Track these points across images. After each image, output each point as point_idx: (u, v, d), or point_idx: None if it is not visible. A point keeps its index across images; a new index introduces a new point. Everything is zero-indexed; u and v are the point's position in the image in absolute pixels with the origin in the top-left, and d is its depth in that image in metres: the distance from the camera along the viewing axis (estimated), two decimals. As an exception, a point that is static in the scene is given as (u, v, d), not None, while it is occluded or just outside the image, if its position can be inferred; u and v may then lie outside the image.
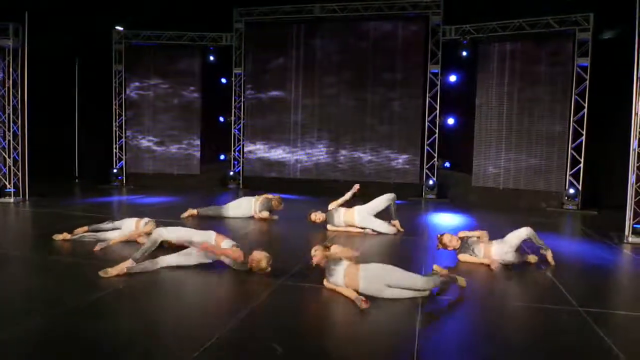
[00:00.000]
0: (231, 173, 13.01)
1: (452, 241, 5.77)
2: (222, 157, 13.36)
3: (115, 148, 13.29)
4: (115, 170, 13.08)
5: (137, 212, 8.17)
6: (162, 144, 13.30)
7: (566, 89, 10.57)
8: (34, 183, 10.04)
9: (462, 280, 4.56)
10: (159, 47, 13.05)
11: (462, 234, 5.95)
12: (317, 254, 4.64)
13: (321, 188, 12.07)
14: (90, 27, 12.23)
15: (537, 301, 4.63)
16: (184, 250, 5.13)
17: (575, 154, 10.55)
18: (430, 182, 11.85)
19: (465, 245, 5.74)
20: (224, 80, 13.18)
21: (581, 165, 10.48)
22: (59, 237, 6.14)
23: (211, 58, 12.91)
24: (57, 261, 5.43)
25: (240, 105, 13.04)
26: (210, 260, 5.11)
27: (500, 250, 5.61)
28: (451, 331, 3.90)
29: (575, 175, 10.56)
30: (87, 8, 11.46)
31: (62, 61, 12.95)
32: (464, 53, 11.43)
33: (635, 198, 7.44)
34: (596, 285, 5.34)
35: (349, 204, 7.47)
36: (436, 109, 11.84)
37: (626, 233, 7.51)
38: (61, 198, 10.71)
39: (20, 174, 9.87)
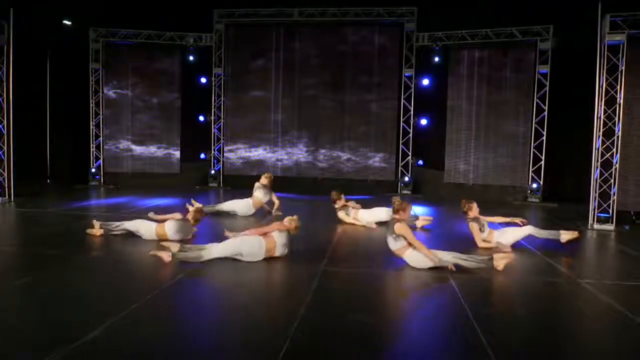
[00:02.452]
0: (212, 172, 13.22)
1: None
2: (202, 156, 13.54)
3: (93, 147, 13.13)
4: (93, 170, 12.94)
5: (143, 213, 8.35)
6: (141, 143, 13.30)
7: (528, 93, 11.66)
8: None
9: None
10: (137, 46, 13.03)
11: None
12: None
13: (301, 186, 12.57)
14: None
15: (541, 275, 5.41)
16: (232, 242, 5.46)
17: (537, 152, 11.66)
18: (406, 178, 12.64)
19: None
20: (203, 80, 13.36)
21: (542, 162, 11.61)
22: (93, 231, 6.44)
23: (191, 58, 13.05)
24: (99, 258, 5.66)
25: (220, 104, 13.27)
26: (259, 258, 5.41)
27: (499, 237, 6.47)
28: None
29: (537, 172, 11.68)
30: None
31: (31, 56, 12.57)
32: (436, 58, 12.28)
33: (599, 191, 8.47)
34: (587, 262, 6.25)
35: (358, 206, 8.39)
36: (410, 110, 12.63)
37: (590, 221, 8.56)
38: (46, 198, 10.59)
39: (5, 174, 9.71)
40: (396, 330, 3.94)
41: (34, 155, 13.33)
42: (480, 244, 6.46)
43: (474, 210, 6.51)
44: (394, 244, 5.38)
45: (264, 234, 5.46)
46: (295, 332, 3.53)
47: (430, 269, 5.30)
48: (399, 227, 5.28)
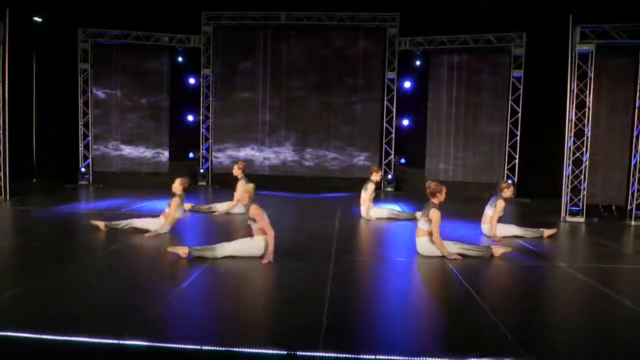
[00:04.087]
0: (201, 171, 13.52)
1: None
2: (191, 155, 13.82)
3: (81, 147, 13.23)
4: (83, 169, 13.05)
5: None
6: (130, 142, 13.48)
7: (504, 96, 12.46)
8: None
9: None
10: (126, 46, 13.20)
11: None
12: None
13: (288, 184, 13.04)
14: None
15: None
16: (242, 240, 5.83)
17: (511, 151, 12.46)
18: (389, 176, 13.25)
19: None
20: (192, 81, 13.64)
21: (516, 160, 12.42)
22: (99, 223, 6.95)
23: (180, 59, 13.33)
24: (118, 251, 6.01)
25: (209, 105, 13.58)
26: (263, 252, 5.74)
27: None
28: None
29: (512, 169, 12.49)
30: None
31: (16, 55, 12.54)
32: (418, 62, 12.96)
33: (570, 186, 9.26)
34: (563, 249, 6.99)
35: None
36: (393, 112, 13.25)
37: (563, 214, 9.34)
38: (40, 197, 10.72)
39: (1, 174, 9.81)
40: (412, 309, 4.49)
41: (19, 155, 13.32)
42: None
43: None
44: (423, 225, 5.94)
45: (264, 232, 5.68)
46: (328, 312, 4.01)
47: (432, 256, 5.90)
48: (433, 213, 5.84)
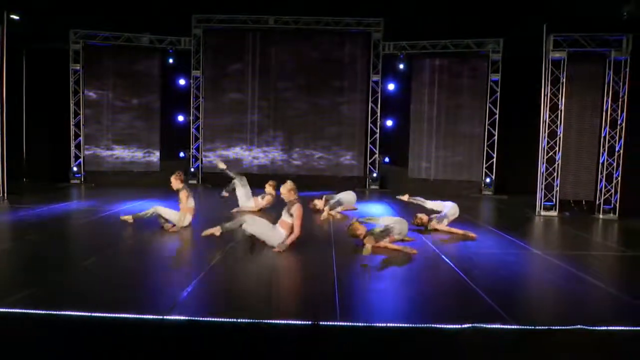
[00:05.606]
0: (192, 170, 13.88)
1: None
2: (181, 154, 14.15)
3: (72, 147, 13.42)
4: (75, 169, 13.25)
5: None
6: (122, 142, 13.72)
7: (482, 98, 13.18)
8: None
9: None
10: (117, 48, 13.45)
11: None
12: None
13: (277, 183, 13.44)
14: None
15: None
16: (267, 225, 6.27)
17: (489, 150, 13.19)
18: (374, 175, 13.85)
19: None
20: (183, 82, 13.97)
21: (494, 159, 13.16)
22: (127, 217, 7.39)
23: (170, 61, 13.65)
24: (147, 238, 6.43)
25: (199, 105, 13.94)
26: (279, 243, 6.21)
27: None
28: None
29: (490, 167, 13.22)
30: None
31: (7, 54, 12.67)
32: (401, 65, 13.59)
33: (544, 183, 10.00)
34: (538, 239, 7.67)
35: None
36: (377, 113, 13.84)
37: (537, 209, 10.07)
38: (35, 196, 10.92)
39: (0, 173, 10.01)
40: (411, 286, 5.05)
41: (9, 155, 13.41)
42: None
43: (425, 220, 7.68)
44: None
45: (291, 229, 6.16)
46: (337, 286, 4.56)
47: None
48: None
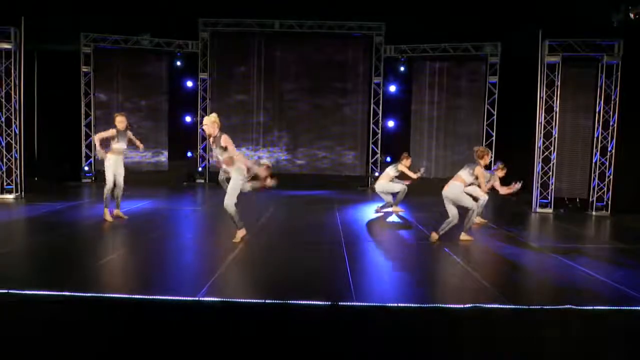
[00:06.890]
0: (199, 169, 14.30)
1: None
2: (189, 154, 14.57)
3: (84, 146, 13.83)
4: (86, 168, 13.66)
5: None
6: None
7: (480, 100, 13.64)
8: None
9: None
10: (126, 51, 13.87)
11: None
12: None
13: (281, 182, 13.84)
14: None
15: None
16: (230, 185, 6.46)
17: (487, 150, 13.64)
18: (376, 174, 14.28)
19: None
20: (190, 84, 14.40)
21: (492, 158, 13.59)
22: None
23: (178, 63, 14.08)
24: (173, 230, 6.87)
25: (206, 106, 14.36)
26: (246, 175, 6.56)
27: None
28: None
29: (488, 167, 13.63)
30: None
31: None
32: (402, 68, 14.04)
33: (540, 181, 10.46)
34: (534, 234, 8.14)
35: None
36: (379, 114, 14.30)
37: (534, 206, 10.54)
38: (50, 195, 11.32)
39: (18, 171, 10.43)
40: (416, 273, 5.50)
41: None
42: (484, 189, 8.05)
43: (486, 160, 7.53)
44: (465, 175, 7.20)
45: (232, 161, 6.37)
46: (350, 266, 5.02)
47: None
48: (478, 170, 7.11)
